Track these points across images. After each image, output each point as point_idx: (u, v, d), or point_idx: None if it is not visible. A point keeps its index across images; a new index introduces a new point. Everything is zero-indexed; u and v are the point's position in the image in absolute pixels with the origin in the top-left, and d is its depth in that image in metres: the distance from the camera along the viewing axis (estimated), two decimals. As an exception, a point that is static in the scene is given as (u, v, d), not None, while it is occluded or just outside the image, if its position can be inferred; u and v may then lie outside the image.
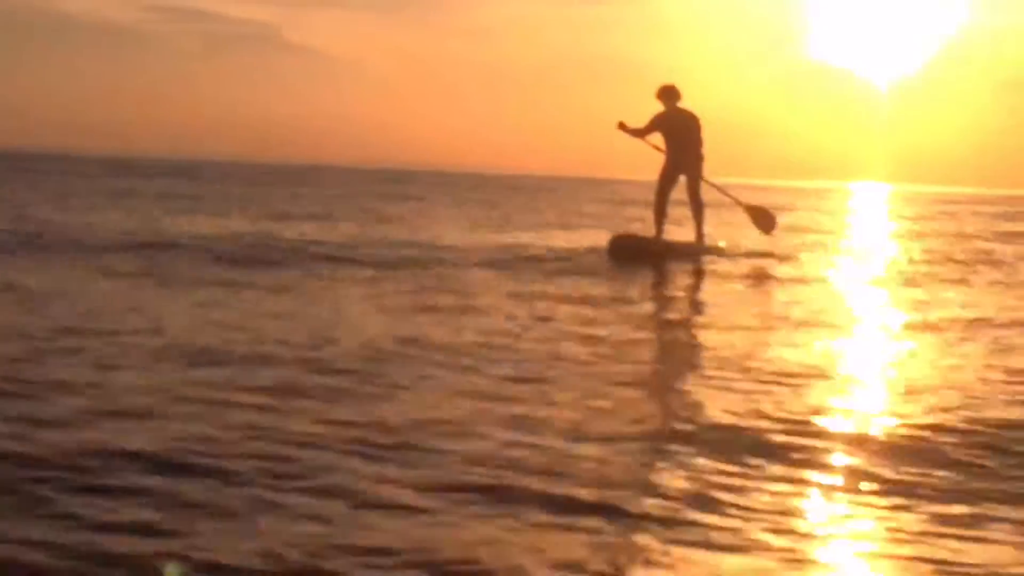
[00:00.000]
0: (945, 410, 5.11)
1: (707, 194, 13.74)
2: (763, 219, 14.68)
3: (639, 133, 13.61)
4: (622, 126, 13.57)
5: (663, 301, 9.91)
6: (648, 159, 13.86)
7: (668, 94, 13.66)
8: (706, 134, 13.68)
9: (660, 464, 4.21)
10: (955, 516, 3.71)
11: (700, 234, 13.90)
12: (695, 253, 13.46)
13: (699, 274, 12.03)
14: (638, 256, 12.99)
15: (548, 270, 11.44)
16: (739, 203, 14.50)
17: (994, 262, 14.81)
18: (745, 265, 12.78)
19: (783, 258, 13.87)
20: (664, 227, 13.75)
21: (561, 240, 15.62)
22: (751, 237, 15.12)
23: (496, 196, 37.52)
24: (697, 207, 13.79)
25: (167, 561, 3.09)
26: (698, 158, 13.69)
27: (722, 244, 14.33)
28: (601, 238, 14.39)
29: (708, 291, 10.68)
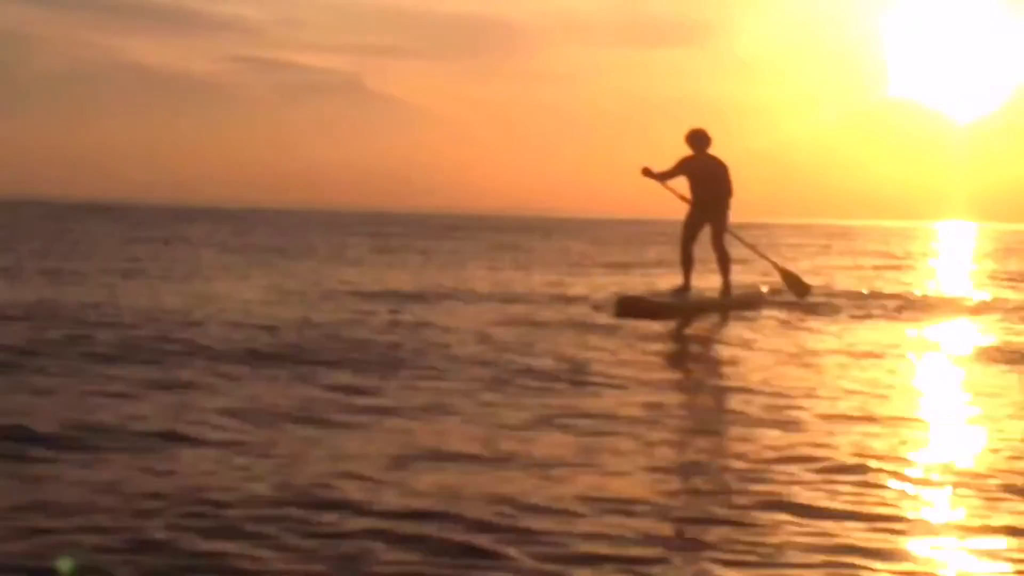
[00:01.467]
0: None
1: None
2: (797, 285, 13.78)
3: (664, 176, 12.83)
4: (647, 172, 12.82)
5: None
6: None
7: (698, 139, 12.90)
8: (738, 181, 12.91)
9: None
10: None
11: (727, 286, 13.08)
12: (722, 308, 12.56)
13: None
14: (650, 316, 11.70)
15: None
16: (774, 265, 13.95)
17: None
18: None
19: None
20: (691, 276, 12.96)
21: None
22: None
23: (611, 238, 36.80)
24: (722, 257, 13.00)
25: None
26: (725, 208, 12.93)
27: (764, 289, 13.70)
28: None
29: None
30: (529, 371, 7.69)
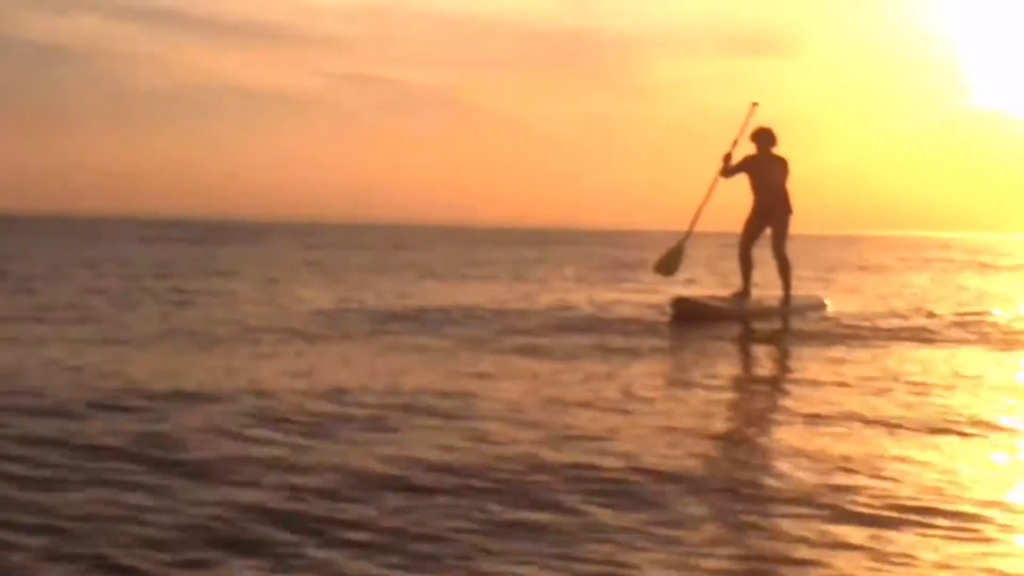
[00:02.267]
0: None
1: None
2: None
3: (724, 171, 12.48)
4: (721, 172, 12.47)
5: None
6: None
7: (763, 137, 12.48)
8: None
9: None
10: None
11: (788, 294, 12.75)
12: (784, 314, 12.30)
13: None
14: (703, 320, 11.64)
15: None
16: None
17: None
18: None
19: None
20: (752, 280, 12.69)
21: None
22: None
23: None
24: (783, 263, 12.66)
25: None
26: (786, 210, 12.55)
27: (828, 302, 13.12)
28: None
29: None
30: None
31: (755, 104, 12.47)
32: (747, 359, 9.45)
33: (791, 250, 12.71)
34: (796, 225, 12.53)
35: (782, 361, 9.26)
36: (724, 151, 12.44)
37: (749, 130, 12.45)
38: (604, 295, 15.35)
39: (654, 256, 13.86)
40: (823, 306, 13.22)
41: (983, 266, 30.56)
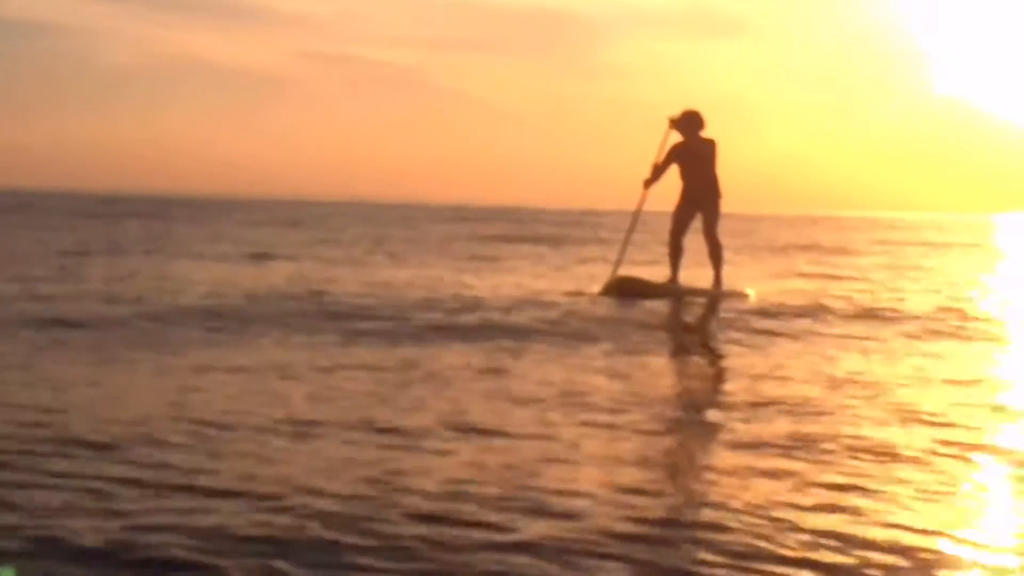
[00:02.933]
0: None
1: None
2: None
3: (657, 173, 12.22)
4: (648, 183, 12.29)
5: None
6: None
7: (690, 122, 12.19)
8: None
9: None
10: None
11: (719, 279, 12.37)
12: (713, 300, 11.90)
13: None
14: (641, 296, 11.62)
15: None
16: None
17: None
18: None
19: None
20: (679, 269, 12.33)
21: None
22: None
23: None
24: (715, 249, 12.29)
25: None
26: (717, 194, 12.20)
27: (749, 292, 12.48)
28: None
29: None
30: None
31: (672, 120, 12.12)
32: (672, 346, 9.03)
33: (721, 232, 12.34)
34: (742, 206, 12.22)
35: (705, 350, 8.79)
36: (646, 176, 12.24)
37: (668, 144, 12.21)
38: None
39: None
40: (745, 296, 12.45)
41: (931, 245, 30.37)
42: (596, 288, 12.21)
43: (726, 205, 12.27)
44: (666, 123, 12.18)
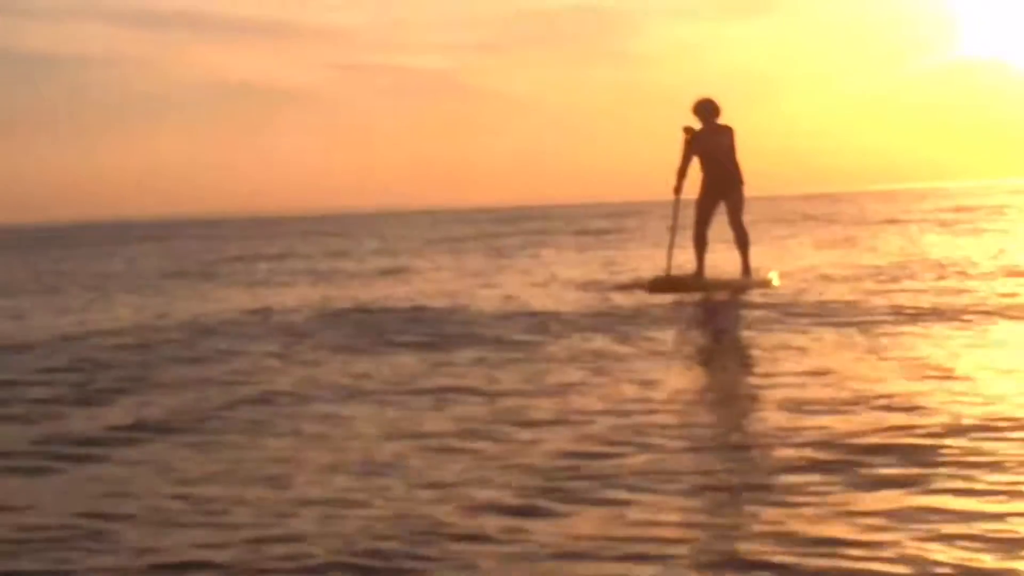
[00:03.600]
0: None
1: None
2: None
3: (681, 175, 12.08)
4: (677, 190, 12.18)
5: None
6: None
7: (705, 109, 12.04)
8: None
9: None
10: None
11: (747, 267, 12.26)
12: (742, 289, 11.79)
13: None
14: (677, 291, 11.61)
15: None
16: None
17: None
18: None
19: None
20: (705, 261, 12.21)
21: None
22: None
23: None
24: (741, 236, 12.17)
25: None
26: (738, 180, 12.09)
27: (773, 276, 12.25)
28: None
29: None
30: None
31: (687, 130, 11.97)
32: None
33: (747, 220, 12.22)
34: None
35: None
36: (675, 181, 12.08)
37: (686, 147, 12.04)
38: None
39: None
40: (768, 283, 12.18)
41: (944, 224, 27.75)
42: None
43: (754, 189, 12.19)
44: (682, 134, 12.03)
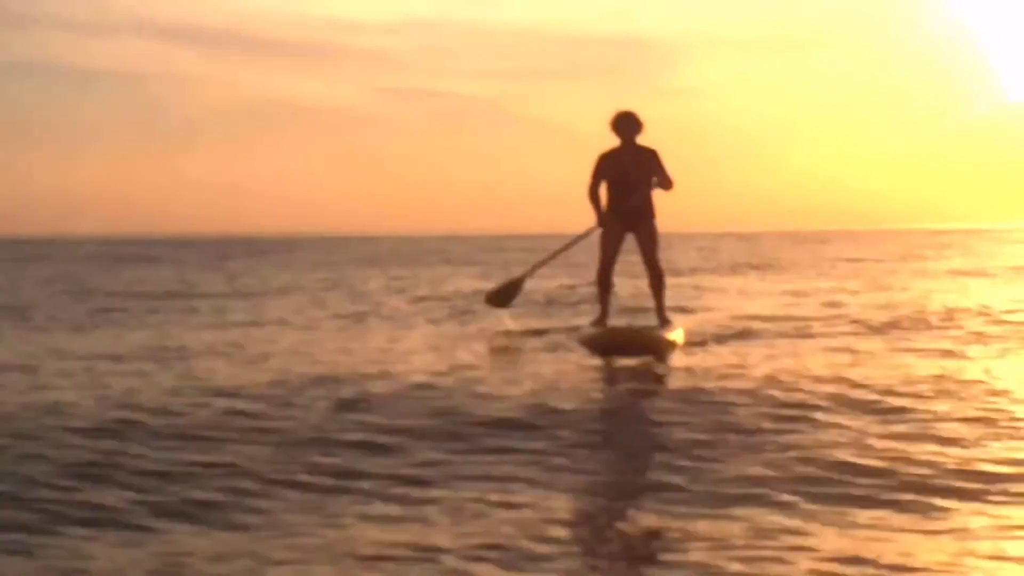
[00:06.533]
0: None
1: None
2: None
3: (592, 197, 9.82)
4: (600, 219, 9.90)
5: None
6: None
7: (626, 124, 9.78)
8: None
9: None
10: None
11: (662, 311, 9.94)
12: (656, 346, 9.30)
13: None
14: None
15: None
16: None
17: None
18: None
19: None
20: (610, 307, 10.01)
21: None
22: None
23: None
24: (657, 276, 9.92)
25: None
26: (651, 212, 9.87)
27: (678, 334, 9.75)
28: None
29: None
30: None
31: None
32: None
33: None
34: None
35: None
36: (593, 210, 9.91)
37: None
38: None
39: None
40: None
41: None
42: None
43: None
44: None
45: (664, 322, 9.88)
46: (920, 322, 11.47)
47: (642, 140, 9.87)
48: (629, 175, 9.75)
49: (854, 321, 11.65)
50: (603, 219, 9.80)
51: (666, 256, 10.48)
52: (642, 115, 9.85)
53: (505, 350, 10.01)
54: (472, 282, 20.50)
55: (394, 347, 10.08)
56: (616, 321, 10.05)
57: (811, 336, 10.44)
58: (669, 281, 10.36)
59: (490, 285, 12.85)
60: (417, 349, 9.91)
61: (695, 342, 9.86)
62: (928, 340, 9.97)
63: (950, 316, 11.99)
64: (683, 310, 12.80)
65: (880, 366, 8.21)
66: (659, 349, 9.24)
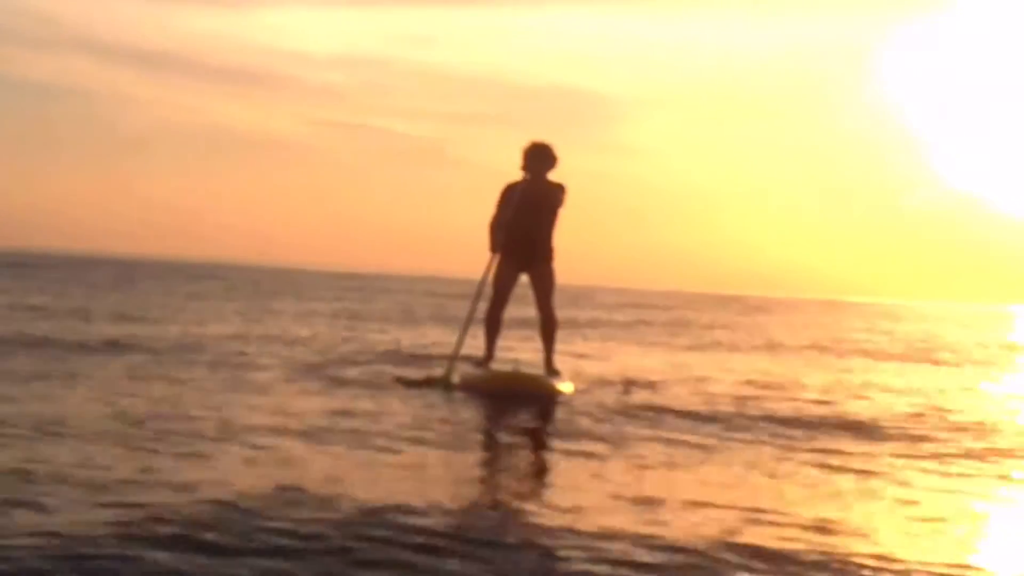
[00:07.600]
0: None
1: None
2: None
3: (494, 227, 9.15)
4: (494, 248, 9.18)
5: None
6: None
7: (539, 156, 9.11)
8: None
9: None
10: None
11: (550, 361, 9.28)
12: (544, 392, 8.67)
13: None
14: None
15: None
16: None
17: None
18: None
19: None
20: (495, 348, 9.34)
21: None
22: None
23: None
24: (550, 322, 9.26)
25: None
26: (549, 252, 9.21)
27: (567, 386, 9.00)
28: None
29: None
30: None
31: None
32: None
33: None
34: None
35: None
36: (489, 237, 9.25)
37: None
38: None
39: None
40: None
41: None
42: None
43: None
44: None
45: (552, 372, 9.19)
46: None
47: (555, 177, 9.24)
48: (533, 210, 9.09)
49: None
50: (496, 245, 9.11)
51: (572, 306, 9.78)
52: (557, 150, 9.23)
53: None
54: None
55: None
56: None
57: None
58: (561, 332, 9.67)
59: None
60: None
61: (582, 390, 9.11)
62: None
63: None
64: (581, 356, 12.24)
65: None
66: (545, 394, 8.58)
